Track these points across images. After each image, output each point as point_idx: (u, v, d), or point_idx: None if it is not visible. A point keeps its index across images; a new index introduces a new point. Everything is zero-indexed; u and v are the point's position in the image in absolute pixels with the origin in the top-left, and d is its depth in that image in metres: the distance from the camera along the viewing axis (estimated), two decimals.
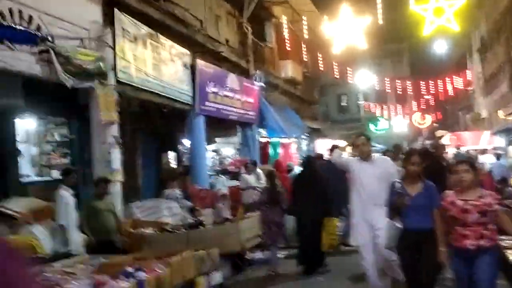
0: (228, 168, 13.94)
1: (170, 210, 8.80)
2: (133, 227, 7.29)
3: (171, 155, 13.71)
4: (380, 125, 39.02)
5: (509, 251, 4.98)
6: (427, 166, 5.32)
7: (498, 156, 13.10)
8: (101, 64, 7.21)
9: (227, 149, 15.60)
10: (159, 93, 9.13)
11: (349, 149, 8.16)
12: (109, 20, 7.85)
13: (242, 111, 13.12)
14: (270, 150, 15.62)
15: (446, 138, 20.44)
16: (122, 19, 8.10)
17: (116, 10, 7.93)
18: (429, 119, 38.80)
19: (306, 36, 16.54)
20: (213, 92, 11.32)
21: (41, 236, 6.99)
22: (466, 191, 4.29)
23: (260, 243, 7.60)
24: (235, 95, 12.59)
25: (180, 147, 12.77)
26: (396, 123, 39.14)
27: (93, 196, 7.11)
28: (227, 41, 12.65)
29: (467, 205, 4.20)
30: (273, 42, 17.17)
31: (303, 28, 16.72)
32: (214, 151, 15.64)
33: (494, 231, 4.27)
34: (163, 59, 9.42)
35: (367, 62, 34.51)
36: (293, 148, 16.71)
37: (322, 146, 19.72)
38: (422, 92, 33.38)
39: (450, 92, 31.48)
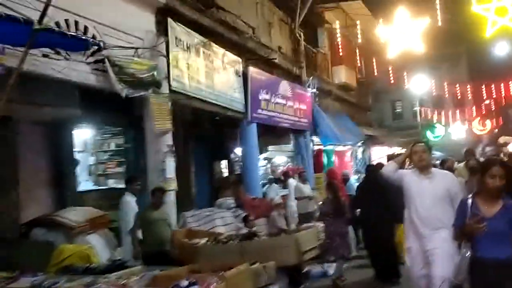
0: (280, 177, 13.74)
1: (223, 219, 8.67)
2: (186, 237, 7.18)
3: (224, 164, 13.67)
4: (437, 131, 37.68)
5: None
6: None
7: None
8: (155, 73, 7.20)
9: (279, 157, 15.40)
10: (212, 101, 9.06)
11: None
12: (162, 29, 7.86)
13: (294, 118, 12.89)
14: (324, 158, 15.27)
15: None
16: (176, 28, 8.09)
17: (169, 19, 7.93)
18: (489, 124, 37.07)
19: (359, 40, 16.14)
20: (265, 100, 11.16)
21: (96, 245, 7.03)
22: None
23: (317, 256, 7.30)
24: (288, 102, 12.38)
25: (232, 155, 12.69)
26: (454, 129, 37.63)
27: (149, 206, 7.08)
28: (279, 47, 12.49)
29: None
30: (326, 47, 16.87)
31: (356, 32, 16.34)
32: (266, 159, 15.48)
33: None
34: (216, 67, 9.35)
35: (423, 66, 33.41)
36: (348, 156, 16.29)
37: (378, 154, 19.17)
38: (482, 97, 32.00)
39: (510, 98, 30.00)
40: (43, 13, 3.88)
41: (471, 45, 36.14)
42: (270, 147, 14.97)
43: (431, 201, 4.64)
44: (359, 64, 18.82)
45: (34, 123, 7.26)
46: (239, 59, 10.35)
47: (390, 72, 20.66)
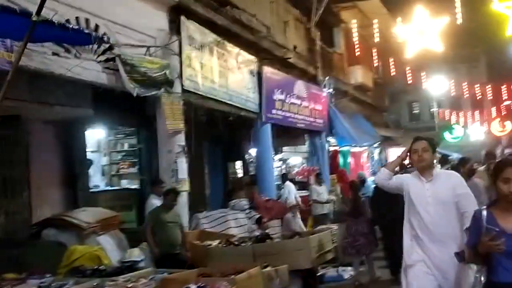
0: (295, 178, 13.57)
1: (237, 221, 8.53)
2: (199, 239, 7.06)
3: (238, 165, 13.55)
4: (455, 133, 37.09)
5: None
6: None
7: None
8: (167, 72, 7.10)
9: (294, 158, 15.23)
10: (225, 101, 8.93)
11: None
12: (175, 27, 7.75)
13: (310, 119, 12.71)
14: (340, 159, 15.05)
15: None
16: (189, 26, 7.98)
17: (182, 17, 7.82)
18: (509, 126, 36.38)
19: (377, 39, 15.89)
20: (280, 100, 11.01)
21: (107, 246, 6.94)
22: None
23: (332, 259, 7.12)
24: (303, 102, 12.22)
25: (247, 156, 12.56)
26: (473, 130, 37.01)
27: (161, 207, 6.97)
28: (294, 47, 12.33)
29: None
30: (342, 47, 16.66)
31: (373, 32, 16.10)
32: (281, 160, 15.32)
33: None
34: (230, 67, 9.22)
35: (441, 67, 32.93)
36: (364, 157, 16.05)
37: (395, 155, 18.87)
38: (502, 97, 31.42)
39: None
40: (42, 4, 3.77)
41: (490, 45, 35.55)
42: (285, 148, 14.83)
43: (435, 206, 3.96)
44: (376, 64, 18.54)
45: (46, 123, 7.19)
46: (254, 59, 10.21)
47: (408, 72, 20.30)
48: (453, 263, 3.72)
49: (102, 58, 6.23)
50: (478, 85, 29.73)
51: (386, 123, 23.33)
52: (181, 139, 7.58)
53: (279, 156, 15.27)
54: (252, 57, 10.08)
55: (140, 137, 9.15)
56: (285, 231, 8.18)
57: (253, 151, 11.67)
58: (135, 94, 6.54)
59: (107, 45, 6.21)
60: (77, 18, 5.86)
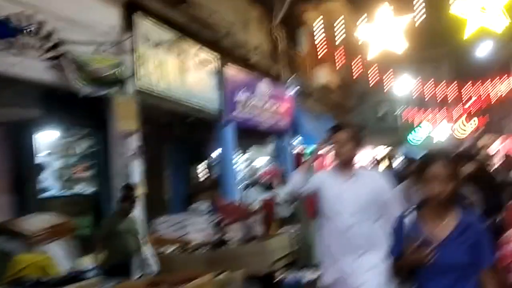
0: (260, 180, 13.36)
1: (196, 225, 8.28)
2: (154, 246, 6.76)
3: (202, 167, 13.26)
4: (419, 133, 37.66)
5: None
6: (473, 177, 3.82)
7: None
8: (119, 71, 6.77)
9: (260, 160, 15.03)
10: (184, 101, 8.63)
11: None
12: (129, 24, 7.43)
13: (274, 120, 12.52)
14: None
15: (495, 145, 19.20)
16: (144, 23, 7.67)
17: (136, 14, 7.50)
18: (472, 125, 37.20)
19: (341, 40, 15.83)
20: (243, 100, 10.78)
21: (57, 255, 6.56)
22: None
23: (292, 262, 6.92)
24: (267, 103, 12.02)
25: (211, 158, 12.29)
26: (437, 131, 37.67)
27: (114, 214, 6.62)
28: (257, 47, 12.10)
29: None
30: (307, 47, 16.53)
31: (338, 33, 16.02)
32: (246, 161, 15.09)
33: None
34: (188, 66, 8.94)
35: (407, 68, 33.37)
36: (329, 157, 15.95)
37: (362, 155, 18.89)
38: (465, 98, 32.06)
39: (495, 97, 30.09)
40: None
41: (454, 47, 36.25)
42: (251, 149, 14.62)
43: (353, 211, 3.30)
44: (340, 65, 18.49)
45: None
46: (215, 58, 9.95)
47: (373, 72, 20.37)
48: (372, 278, 3.17)
49: (48, 55, 5.89)
50: (441, 85, 30.17)
51: (352, 123, 23.40)
52: (135, 141, 7.25)
53: (244, 157, 15.06)
54: (212, 56, 9.82)
55: (95, 139, 8.75)
56: (246, 235, 7.93)
57: (217, 153, 11.41)
58: (82, 94, 6.19)
59: (53, 42, 5.90)
60: (19, 13, 5.49)
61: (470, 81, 30.56)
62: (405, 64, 33.66)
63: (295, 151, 14.50)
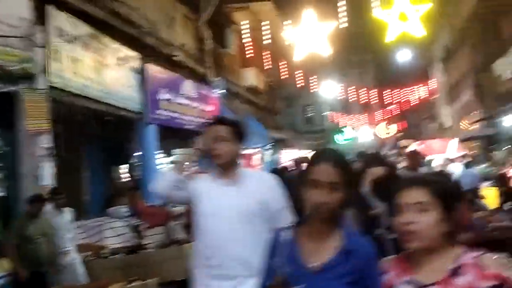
0: None
1: (114, 230, 7.90)
2: None
3: (123, 168, 12.77)
4: (345, 135, 38.86)
5: None
6: (380, 185, 3.43)
7: (467, 164, 12.63)
8: (27, 65, 6.31)
9: (186, 162, 14.73)
10: (102, 99, 8.22)
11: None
12: (41, 17, 6.95)
13: (200, 120, 12.29)
14: None
15: (412, 147, 20.09)
16: (57, 16, 7.20)
17: (49, 6, 7.04)
18: (393, 128, 38.89)
19: (268, 42, 15.92)
20: (166, 99, 10.48)
21: None
22: (422, 258, 1.70)
23: None
24: (192, 103, 11.78)
25: (133, 159, 11.85)
26: (361, 133, 39.05)
27: (23, 217, 6.12)
28: (182, 45, 11.85)
29: None
30: (235, 48, 16.46)
31: (265, 35, 16.10)
32: (172, 162, 14.75)
33: None
34: (108, 63, 8.54)
35: (333, 72, 34.33)
36: (255, 159, 15.98)
37: (288, 157, 19.10)
38: (387, 102, 33.42)
39: (414, 101, 31.61)
40: None
41: (377, 53, 37.82)
42: (176, 151, 14.29)
43: (232, 225, 2.57)
44: (268, 67, 18.62)
45: None
46: (137, 55, 9.59)
47: (299, 75, 20.69)
48: None
49: None
50: (364, 90, 31.26)
51: (279, 125, 23.64)
52: (46, 141, 6.79)
53: (169, 159, 14.70)
54: (134, 54, 9.46)
55: (3, 139, 8.13)
56: (166, 239, 7.67)
57: (139, 154, 11.01)
58: None
59: None
60: None
61: (391, 87, 31.93)
62: (331, 69, 34.63)
63: None
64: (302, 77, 20.91)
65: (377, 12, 13.92)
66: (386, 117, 37.33)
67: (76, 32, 7.64)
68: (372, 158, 3.94)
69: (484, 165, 15.63)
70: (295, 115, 41.41)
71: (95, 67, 8.12)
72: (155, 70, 10.13)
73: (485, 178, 13.11)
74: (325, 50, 14.52)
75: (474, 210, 7.63)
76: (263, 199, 2.67)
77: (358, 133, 38.77)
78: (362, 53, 39.49)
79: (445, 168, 14.47)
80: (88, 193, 10.40)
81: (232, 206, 2.63)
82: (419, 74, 35.69)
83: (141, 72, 9.65)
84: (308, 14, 14.15)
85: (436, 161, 15.93)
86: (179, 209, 9.20)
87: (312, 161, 1.91)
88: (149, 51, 10.02)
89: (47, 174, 6.73)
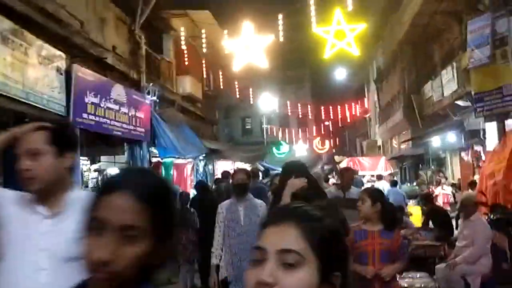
0: None
1: None
2: None
3: None
4: (282, 148, 39.21)
5: None
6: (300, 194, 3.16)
7: (393, 183, 12.96)
8: None
9: (112, 169, 14.13)
10: (20, 99, 7.64)
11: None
12: None
13: (129, 127, 11.81)
14: (162, 171, 14.37)
15: (343, 163, 20.52)
16: None
17: None
18: (328, 144, 39.71)
19: (204, 50, 15.70)
20: (93, 103, 9.94)
21: None
22: None
23: None
24: (122, 108, 11.27)
25: None
26: (298, 147, 39.56)
27: None
28: (114, 47, 11.37)
29: None
30: (171, 55, 16.10)
31: (203, 43, 15.87)
32: (96, 170, 14.09)
33: None
34: (29, 61, 7.95)
35: (271, 86, 34.61)
36: (188, 170, 15.61)
37: (223, 168, 18.86)
38: (322, 118, 34.12)
39: (348, 118, 32.46)
40: None
41: (314, 70, 38.63)
42: (103, 158, 13.68)
43: (49, 277, 1.84)
44: (205, 76, 18.37)
45: None
46: (63, 55, 9.04)
47: (237, 87, 20.60)
48: None
49: None
50: (300, 105, 31.78)
51: (215, 135, 23.38)
52: None
53: (95, 166, 14.05)
54: (60, 53, 8.91)
55: None
56: None
57: None
58: None
59: None
60: None
61: (328, 104, 32.65)
62: (270, 82, 34.93)
63: (153, 162, 13.91)
64: (241, 89, 20.83)
65: (316, 29, 14.11)
66: (321, 133, 38.10)
67: None
68: (293, 167, 3.78)
69: (411, 184, 16.14)
70: (234, 127, 41.37)
71: (15, 64, 7.54)
72: (82, 72, 9.59)
73: (412, 196, 13.51)
74: (262, 62, 14.52)
75: (401, 228, 7.76)
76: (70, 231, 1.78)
77: (294, 147, 39.25)
78: (300, 68, 40.17)
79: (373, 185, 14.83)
80: None
81: (52, 246, 1.87)
82: (355, 92, 36.76)
83: (67, 72, 9.10)
84: (247, 26, 14.13)
85: (365, 178, 16.33)
86: None
87: (103, 189, 1.19)
88: (77, 52, 9.50)
89: None
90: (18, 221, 1.91)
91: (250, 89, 24.63)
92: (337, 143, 40.77)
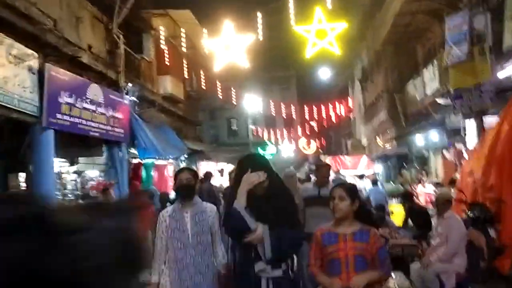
0: (90, 193, 12.32)
1: None
2: None
3: (22, 177, 11.78)
4: (268, 149, 39.10)
5: None
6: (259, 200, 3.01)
7: (374, 182, 12.90)
8: None
9: (92, 171, 13.89)
10: None
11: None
12: None
13: (107, 128, 11.60)
14: (143, 172, 14.17)
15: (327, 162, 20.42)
16: None
17: None
18: (314, 144, 39.68)
19: (184, 50, 15.52)
20: (68, 103, 9.72)
21: None
22: None
23: None
24: (98, 108, 11.06)
25: (30, 166, 10.93)
26: (284, 148, 39.49)
27: None
28: (89, 47, 11.14)
29: None
30: (152, 55, 15.89)
31: (183, 42, 15.69)
32: (75, 172, 13.85)
33: None
34: (0, 60, 7.75)
35: (255, 87, 34.52)
36: (169, 171, 15.41)
37: (206, 169, 18.68)
38: (307, 118, 34.06)
39: (333, 118, 32.43)
40: None
41: (299, 70, 38.63)
42: (82, 159, 13.44)
43: None
44: (187, 76, 18.17)
45: None
46: (35, 54, 8.82)
47: (220, 87, 20.43)
48: None
49: None
50: (285, 106, 31.71)
51: (199, 136, 23.18)
52: None
53: (73, 168, 13.80)
54: (31, 52, 8.69)
55: None
56: None
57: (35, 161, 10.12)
58: None
59: None
60: None
61: (311, 104, 32.61)
62: (254, 83, 34.84)
63: (133, 163, 13.71)
64: (225, 90, 20.67)
65: (296, 28, 14.01)
66: (307, 133, 38.05)
67: None
68: (249, 160, 3.26)
69: (393, 183, 16.10)
70: (219, 128, 41.21)
71: None
72: (56, 71, 9.37)
73: (394, 195, 13.45)
74: (244, 62, 14.38)
75: (377, 227, 7.65)
76: None
77: (280, 148, 39.16)
78: (284, 69, 40.14)
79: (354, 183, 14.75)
80: None
81: None
82: (339, 92, 36.77)
83: (40, 72, 8.89)
84: (227, 25, 13.99)
85: (347, 178, 16.27)
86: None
87: None
88: (50, 51, 9.28)
89: None
90: None
91: (233, 90, 24.44)
92: (323, 143, 40.76)
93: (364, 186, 14.17)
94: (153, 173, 14.34)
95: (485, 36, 9.44)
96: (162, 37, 15.63)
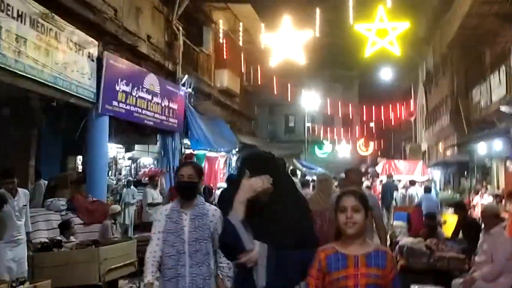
0: (142, 180, 12.63)
1: (48, 223, 7.43)
2: None
3: (80, 159, 12.27)
4: (324, 148, 38.63)
5: None
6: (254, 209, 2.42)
7: (427, 189, 12.36)
8: None
9: (146, 159, 14.27)
10: (47, 82, 7.72)
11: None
12: None
13: (162, 117, 11.83)
14: None
15: (379, 166, 19.88)
16: None
17: None
18: (372, 146, 38.81)
19: (246, 45, 15.56)
20: (124, 91, 9.99)
21: None
22: None
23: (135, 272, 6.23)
24: (154, 98, 11.31)
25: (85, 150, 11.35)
26: (341, 148, 38.85)
27: None
28: (148, 37, 11.38)
29: None
30: (211, 48, 16.04)
31: (243, 37, 15.74)
32: (130, 158, 14.27)
33: None
34: (60, 46, 8.05)
35: (317, 84, 34.15)
36: (221, 163, 15.53)
37: None
38: (367, 119, 33.37)
39: (393, 121, 31.60)
40: None
41: (362, 70, 37.78)
42: (137, 147, 13.82)
43: None
44: (244, 71, 18.22)
45: None
46: (95, 42, 9.12)
47: (279, 84, 20.37)
48: None
49: None
50: (346, 105, 31.26)
51: (253, 131, 23.23)
52: None
53: (129, 154, 14.22)
54: (91, 40, 8.98)
55: None
56: (101, 238, 7.21)
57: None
58: None
59: None
60: None
61: (372, 105, 31.90)
62: (316, 81, 34.49)
63: (185, 153, 13.92)
64: (279, 85, 20.59)
65: (357, 26, 13.71)
66: (366, 134, 37.30)
67: (24, 9, 7.16)
68: (251, 160, 2.61)
69: (449, 192, 15.42)
70: (277, 124, 41.15)
71: (44, 48, 7.63)
72: (114, 60, 9.66)
73: (449, 204, 12.86)
74: (300, 58, 14.23)
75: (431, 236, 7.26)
76: None
77: (337, 148, 38.56)
78: (347, 68, 39.44)
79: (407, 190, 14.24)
80: (32, 182, 9.87)
81: None
82: (402, 94, 35.72)
83: (98, 59, 9.18)
84: (286, 20, 13.88)
85: (401, 183, 15.75)
86: (115, 207, 8.77)
87: None
88: (110, 39, 9.56)
89: None
90: None
91: (289, 86, 24.29)
92: (382, 146, 39.75)
93: (416, 192, 13.66)
94: (205, 164, 14.48)
95: None
96: (221, 30, 15.73)
